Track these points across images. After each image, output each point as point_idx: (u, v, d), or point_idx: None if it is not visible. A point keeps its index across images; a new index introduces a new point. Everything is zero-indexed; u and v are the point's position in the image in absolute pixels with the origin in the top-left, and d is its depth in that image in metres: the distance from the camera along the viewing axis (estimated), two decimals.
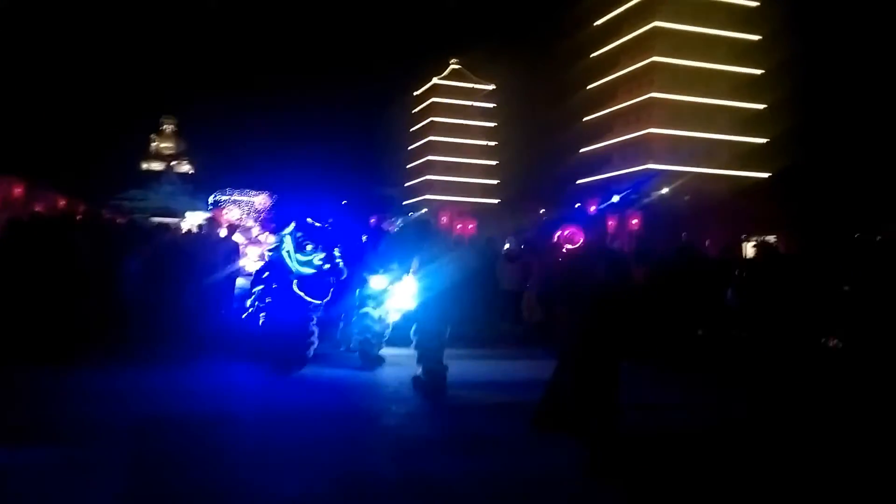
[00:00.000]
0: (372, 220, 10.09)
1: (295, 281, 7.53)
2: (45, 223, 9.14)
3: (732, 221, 30.65)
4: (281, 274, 7.65)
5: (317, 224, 7.77)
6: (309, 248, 7.53)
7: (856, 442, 6.00)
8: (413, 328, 7.39)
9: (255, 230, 24.64)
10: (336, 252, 7.79)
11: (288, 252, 7.55)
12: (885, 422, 6.44)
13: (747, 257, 11.92)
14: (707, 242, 12.09)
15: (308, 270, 7.53)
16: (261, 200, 31.24)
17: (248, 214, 29.85)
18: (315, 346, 7.90)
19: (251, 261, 18.32)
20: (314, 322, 7.78)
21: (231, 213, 25.71)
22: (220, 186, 33.79)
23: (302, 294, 7.50)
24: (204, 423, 5.88)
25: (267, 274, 7.94)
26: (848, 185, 33.73)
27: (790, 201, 34.84)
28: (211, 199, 32.39)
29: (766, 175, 45.72)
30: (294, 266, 7.53)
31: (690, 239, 12.06)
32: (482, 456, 5.32)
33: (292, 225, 7.65)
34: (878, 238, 11.35)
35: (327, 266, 7.63)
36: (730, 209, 32.90)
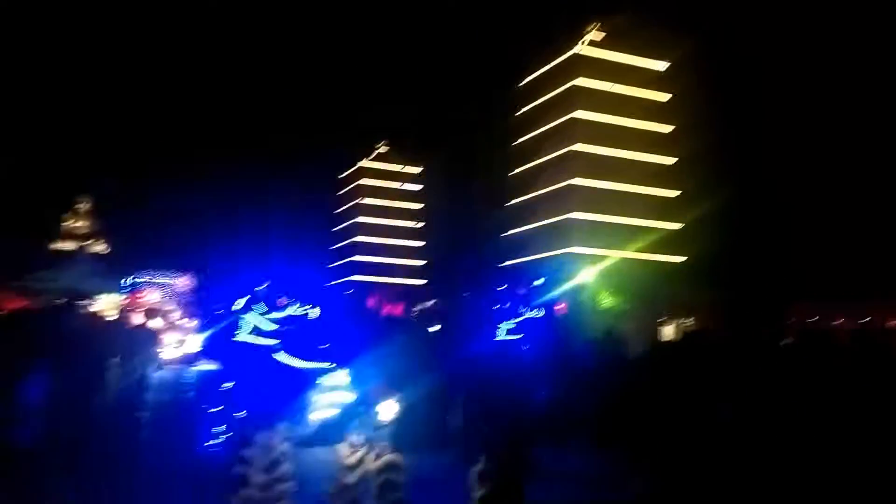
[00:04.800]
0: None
1: (280, 352, 5.58)
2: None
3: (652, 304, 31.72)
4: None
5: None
6: (283, 301, 5.71)
7: None
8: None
9: (176, 314, 23.77)
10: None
11: (256, 327, 5.59)
12: None
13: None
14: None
15: (285, 329, 5.67)
16: (182, 282, 30.19)
17: (168, 297, 28.79)
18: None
19: (171, 348, 17.52)
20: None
21: (150, 296, 24.71)
22: (138, 267, 32.41)
23: (290, 360, 5.54)
24: None
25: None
26: (762, 268, 35.60)
27: (704, 285, 36.36)
28: (128, 281, 31.13)
29: (681, 259, 47.86)
30: (265, 339, 5.61)
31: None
32: None
33: (246, 299, 5.71)
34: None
35: (315, 314, 5.88)
36: (650, 292, 34.01)
